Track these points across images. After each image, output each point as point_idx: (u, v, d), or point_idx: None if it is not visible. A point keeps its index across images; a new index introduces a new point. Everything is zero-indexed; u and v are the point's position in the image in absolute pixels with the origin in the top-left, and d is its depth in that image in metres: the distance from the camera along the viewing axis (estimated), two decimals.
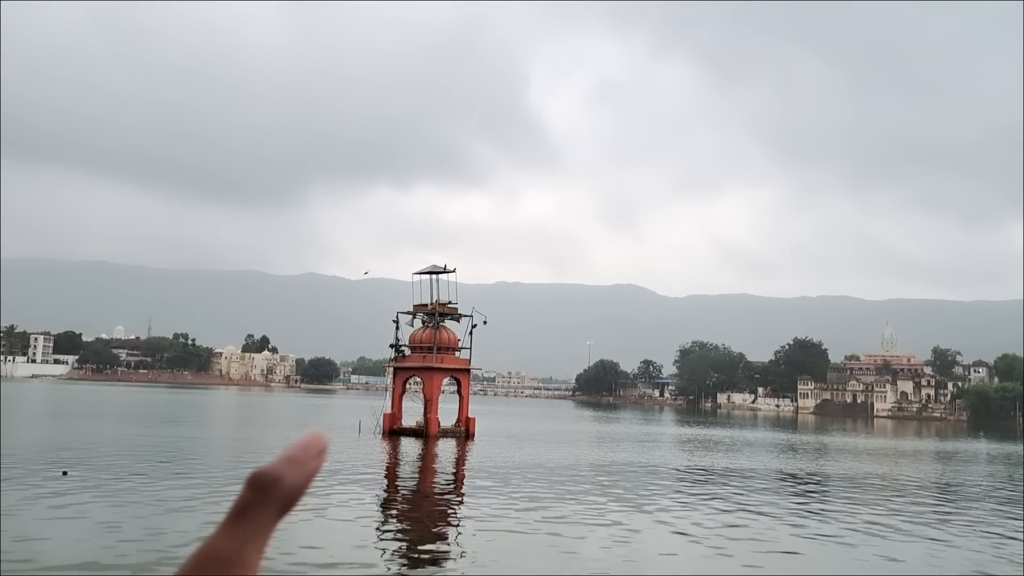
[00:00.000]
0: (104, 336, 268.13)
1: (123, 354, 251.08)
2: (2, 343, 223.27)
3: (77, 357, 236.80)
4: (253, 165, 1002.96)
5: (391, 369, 53.48)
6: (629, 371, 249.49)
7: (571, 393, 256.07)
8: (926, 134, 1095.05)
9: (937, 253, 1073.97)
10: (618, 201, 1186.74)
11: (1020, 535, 21.14)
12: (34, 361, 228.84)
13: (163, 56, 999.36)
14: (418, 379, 50.09)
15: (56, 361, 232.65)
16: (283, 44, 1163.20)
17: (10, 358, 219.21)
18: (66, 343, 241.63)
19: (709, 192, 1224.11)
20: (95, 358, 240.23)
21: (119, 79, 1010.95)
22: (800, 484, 31.85)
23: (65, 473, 24.37)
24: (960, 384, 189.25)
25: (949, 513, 25.09)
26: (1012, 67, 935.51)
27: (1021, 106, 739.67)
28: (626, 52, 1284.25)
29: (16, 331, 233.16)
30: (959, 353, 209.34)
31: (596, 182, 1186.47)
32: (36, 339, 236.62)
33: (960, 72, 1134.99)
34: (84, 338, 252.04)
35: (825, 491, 29.71)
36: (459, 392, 50.15)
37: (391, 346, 50.52)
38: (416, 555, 16.23)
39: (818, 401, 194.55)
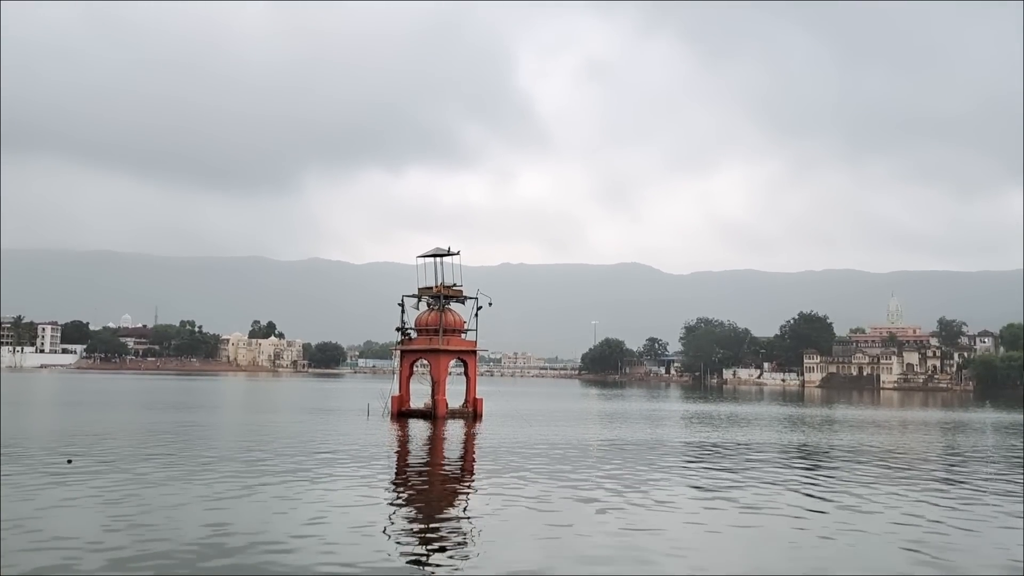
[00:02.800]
0: (111, 325, 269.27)
1: (131, 343, 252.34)
2: (9, 334, 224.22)
3: (85, 347, 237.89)
4: (249, 152, 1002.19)
5: (398, 352, 53.79)
6: (635, 349, 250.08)
7: (577, 372, 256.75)
8: (916, 104, 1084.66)
9: (936, 224, 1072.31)
10: (614, 180, 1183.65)
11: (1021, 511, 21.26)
12: (42, 351, 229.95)
13: (153, 45, 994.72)
14: (425, 361, 50.38)
15: (64, 351, 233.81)
16: (270, 29, 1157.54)
17: (19, 348, 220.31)
18: (74, 333, 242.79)
19: (705, 168, 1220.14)
20: (103, 347, 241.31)
21: (111, 70, 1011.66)
22: (807, 457, 32.02)
23: (70, 461, 24.56)
24: (966, 354, 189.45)
25: (953, 485, 25.21)
26: (1000, 35, 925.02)
27: (1014, 73, 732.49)
28: (613, 31, 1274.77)
29: (24, 322, 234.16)
30: (964, 324, 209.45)
31: (590, 161, 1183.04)
32: (44, 329, 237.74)
33: (948, 41, 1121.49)
34: (91, 327, 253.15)
35: (832, 464, 29.87)
36: (466, 373, 50.44)
37: (397, 329, 50.75)
38: (426, 536, 16.41)
39: (824, 375, 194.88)
